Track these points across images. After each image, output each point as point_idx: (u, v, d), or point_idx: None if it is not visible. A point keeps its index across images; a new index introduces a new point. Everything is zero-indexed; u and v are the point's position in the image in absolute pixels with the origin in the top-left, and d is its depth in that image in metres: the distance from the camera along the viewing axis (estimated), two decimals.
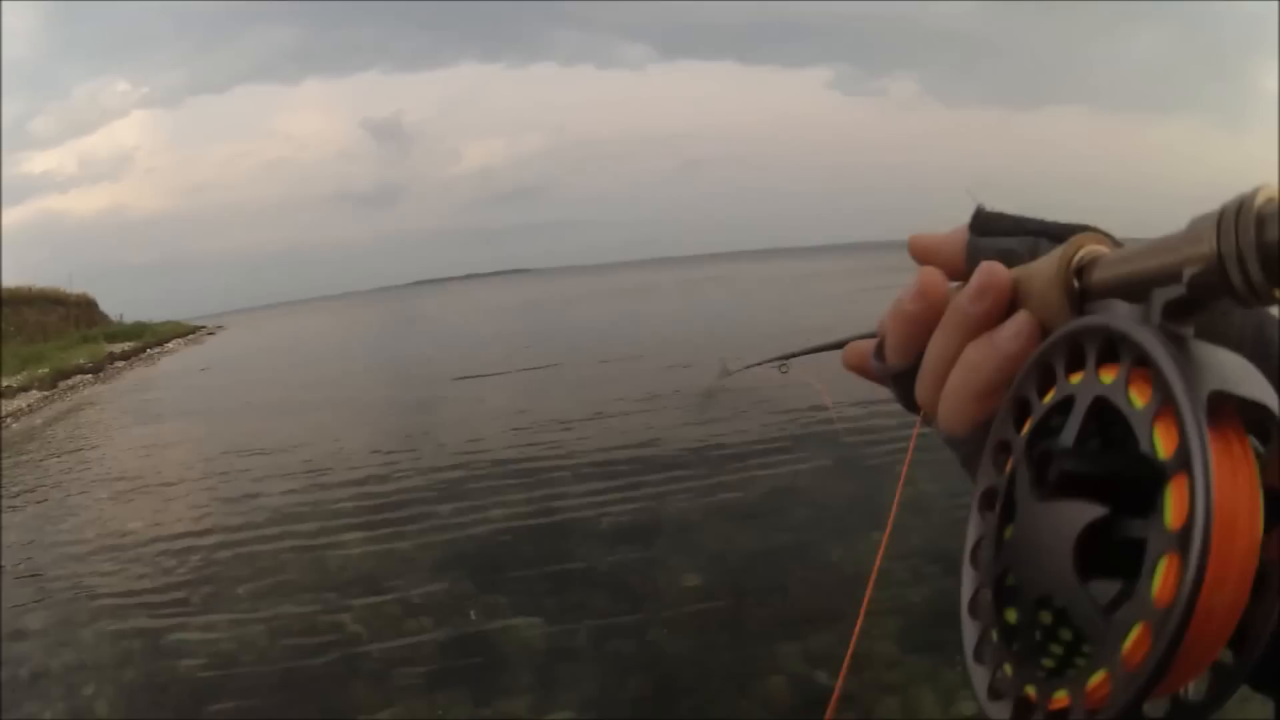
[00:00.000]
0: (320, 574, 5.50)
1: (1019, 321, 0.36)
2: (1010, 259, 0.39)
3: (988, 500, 0.35)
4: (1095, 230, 0.37)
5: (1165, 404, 0.27)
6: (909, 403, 0.43)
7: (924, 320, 0.40)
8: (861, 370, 0.48)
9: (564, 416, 10.03)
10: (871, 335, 0.47)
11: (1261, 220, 0.25)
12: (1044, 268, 0.35)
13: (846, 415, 7.72)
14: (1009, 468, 0.34)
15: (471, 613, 4.66)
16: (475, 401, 12.26)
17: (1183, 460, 0.26)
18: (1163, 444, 0.27)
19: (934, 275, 0.41)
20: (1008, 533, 0.33)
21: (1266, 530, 0.26)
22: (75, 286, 38.82)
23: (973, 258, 0.42)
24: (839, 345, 0.52)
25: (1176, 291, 0.28)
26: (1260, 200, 0.25)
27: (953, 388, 0.38)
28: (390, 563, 5.60)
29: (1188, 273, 0.27)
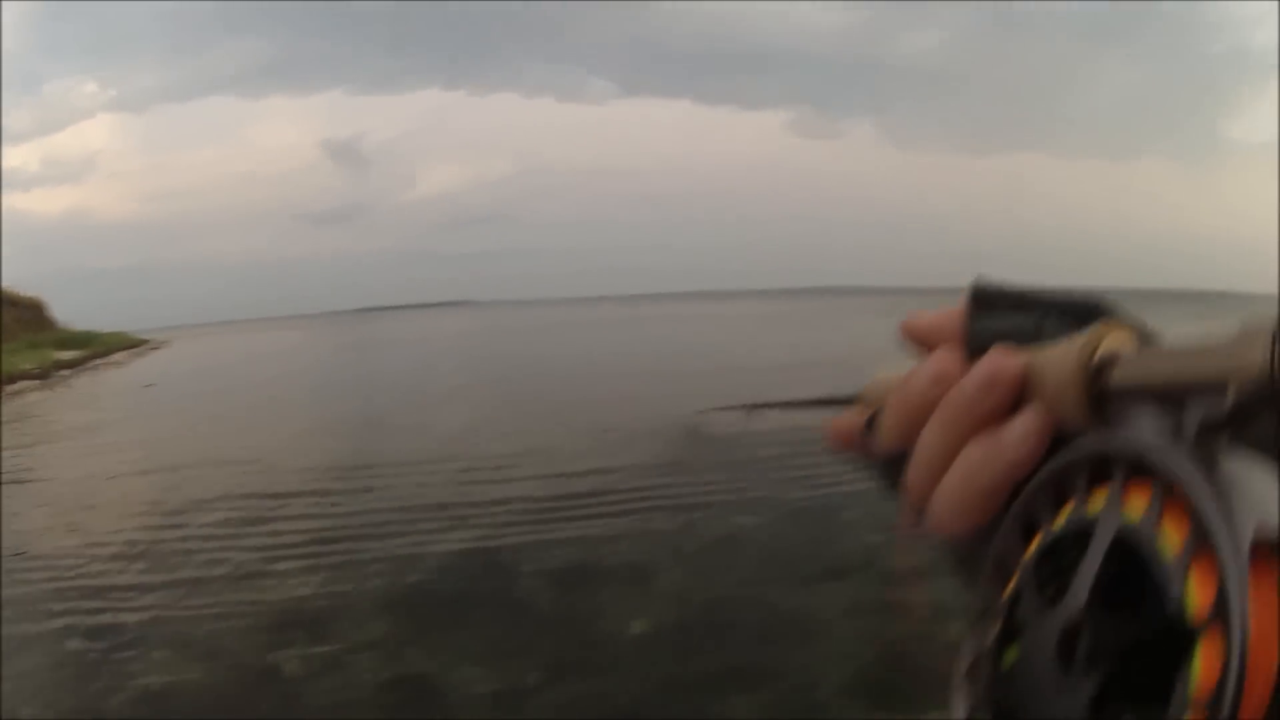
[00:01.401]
0: (257, 611, 5.34)
1: (1029, 422, 0.33)
2: (1016, 339, 0.36)
3: (985, 617, 0.32)
4: (1114, 313, 0.35)
5: (1201, 549, 0.25)
6: (892, 487, 0.39)
7: (931, 406, 0.37)
8: (846, 447, 0.44)
9: (509, 454, 9.91)
10: (845, 400, 0.44)
11: None
12: (1059, 361, 0.32)
13: (802, 464, 7.73)
14: (1011, 587, 0.31)
15: (415, 655, 4.56)
16: (417, 435, 12.06)
17: (1218, 619, 0.23)
18: (1197, 596, 0.24)
19: (951, 361, 0.37)
20: (1007, 656, 0.30)
21: None
22: (28, 289, 38.71)
23: (973, 340, 0.37)
24: (816, 403, 0.50)
25: (1219, 405, 0.25)
26: None
27: (950, 486, 0.35)
28: (330, 600, 5.46)
29: (1234, 385, 0.25)
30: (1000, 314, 0.38)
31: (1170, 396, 0.28)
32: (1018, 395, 0.33)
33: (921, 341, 0.39)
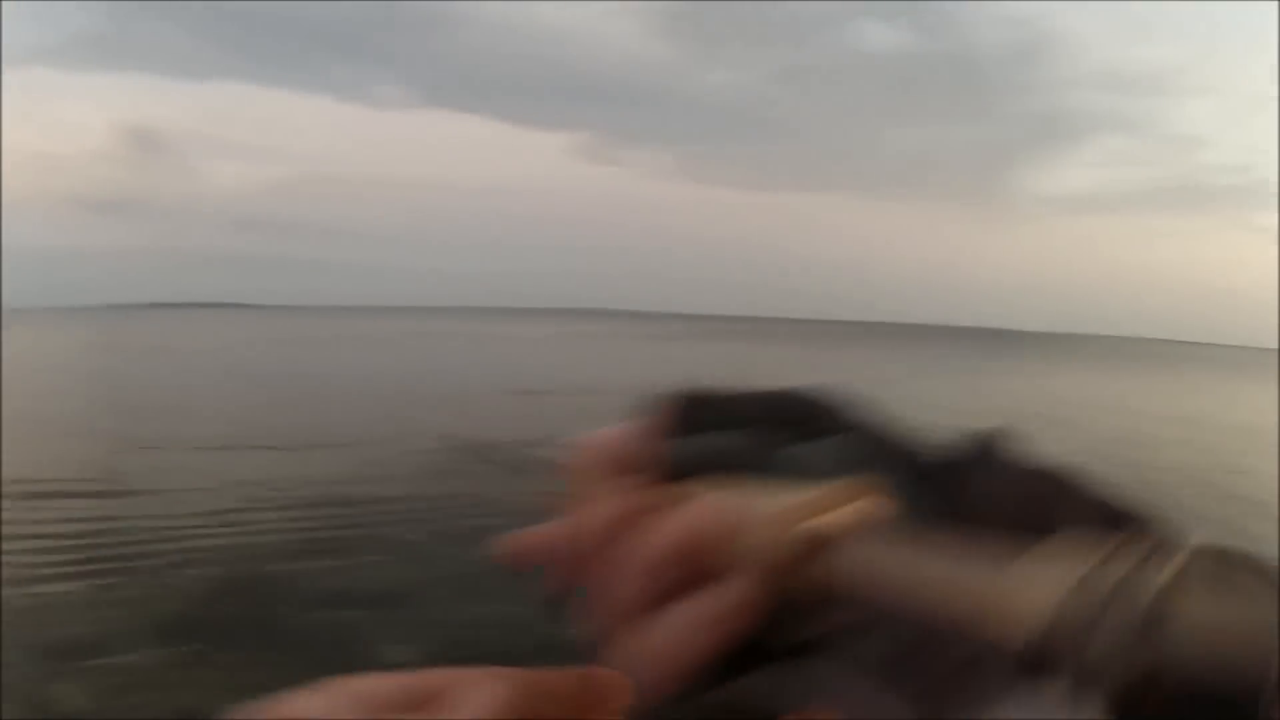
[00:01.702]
0: (31, 634, 5.50)
1: (739, 592, 0.28)
2: (726, 463, 0.30)
3: None
4: (850, 436, 0.31)
5: None
6: (571, 619, 0.32)
7: (588, 553, 0.31)
8: (523, 569, 0.34)
9: (270, 472, 10.00)
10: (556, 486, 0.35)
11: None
12: (772, 525, 0.27)
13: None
14: None
15: (190, 685, 4.94)
16: (175, 443, 11.84)
17: None
18: None
19: (629, 505, 0.31)
20: None
21: None
22: None
23: (677, 464, 0.31)
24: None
25: (960, 653, 0.23)
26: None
27: (652, 648, 0.29)
28: (107, 623, 5.70)
29: (994, 633, 0.21)
30: (708, 431, 0.32)
31: (906, 612, 0.23)
32: (726, 546, 0.28)
33: (609, 467, 0.32)
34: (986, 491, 0.29)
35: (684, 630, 0.29)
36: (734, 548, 0.28)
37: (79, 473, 9.48)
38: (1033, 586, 0.20)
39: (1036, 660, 0.19)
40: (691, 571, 0.29)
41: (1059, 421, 17.28)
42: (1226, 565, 0.19)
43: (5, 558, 6.79)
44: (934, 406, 19.11)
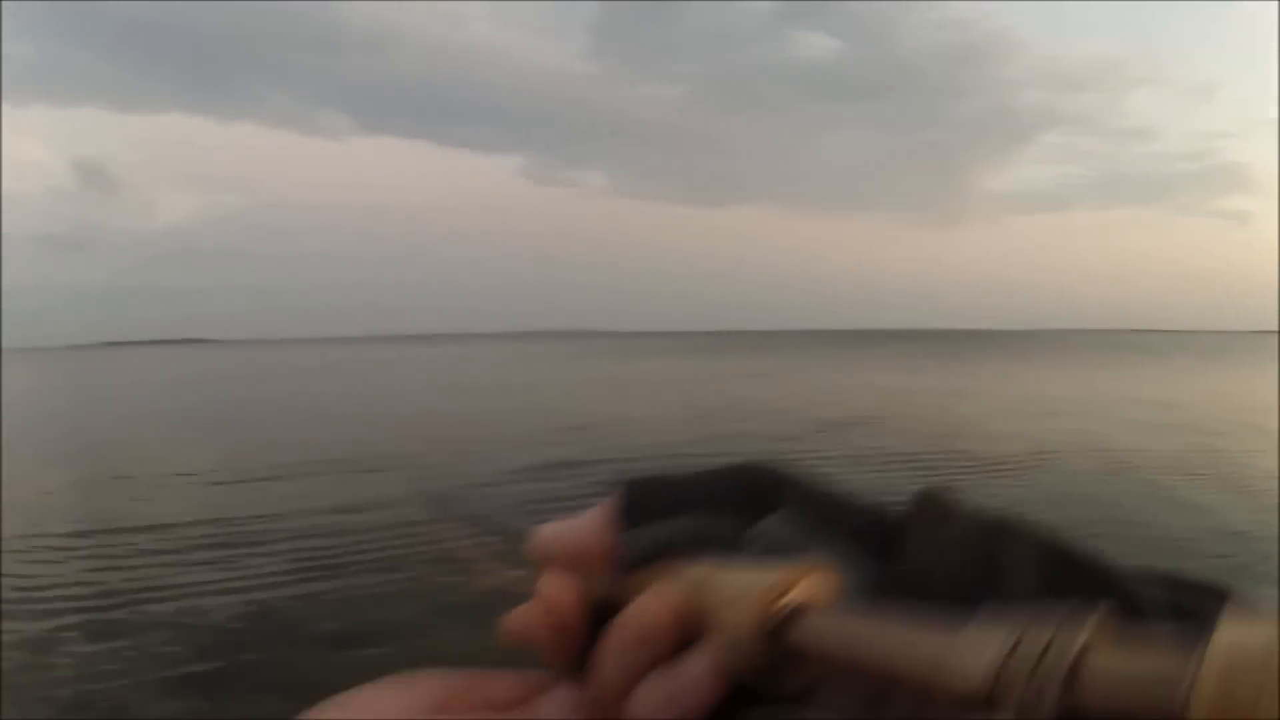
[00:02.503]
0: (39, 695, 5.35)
1: (702, 666, 0.30)
2: (675, 549, 0.33)
3: None
4: (791, 508, 0.33)
5: None
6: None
7: (568, 634, 0.34)
8: (527, 646, 0.36)
9: (261, 507, 9.85)
10: (516, 534, 0.38)
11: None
12: (737, 601, 0.29)
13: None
14: None
15: None
16: (154, 485, 11.60)
17: None
18: None
19: (560, 596, 0.34)
20: None
21: None
22: None
23: (632, 556, 0.34)
24: (492, 529, 0.44)
25: (923, 713, 0.25)
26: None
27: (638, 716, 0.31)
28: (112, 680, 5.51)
29: (941, 701, 0.24)
30: (657, 519, 0.34)
31: (864, 680, 0.26)
32: (692, 621, 0.30)
33: (568, 562, 0.35)
34: (932, 548, 0.32)
35: (659, 702, 0.31)
36: (700, 627, 0.30)
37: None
38: (974, 649, 0.24)
39: (982, 705, 0.23)
40: (663, 651, 0.31)
41: (1036, 415, 17.77)
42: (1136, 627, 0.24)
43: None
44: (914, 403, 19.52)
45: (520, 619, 0.36)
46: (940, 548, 0.32)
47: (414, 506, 9.19)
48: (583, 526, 0.36)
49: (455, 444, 13.84)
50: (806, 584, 0.29)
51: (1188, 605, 0.29)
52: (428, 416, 19.31)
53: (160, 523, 9.11)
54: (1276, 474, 9.91)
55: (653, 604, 0.31)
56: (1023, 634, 0.24)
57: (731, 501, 0.34)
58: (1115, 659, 0.23)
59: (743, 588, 0.29)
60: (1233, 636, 0.22)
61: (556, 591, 0.34)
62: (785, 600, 0.28)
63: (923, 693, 0.25)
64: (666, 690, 0.31)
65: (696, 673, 0.30)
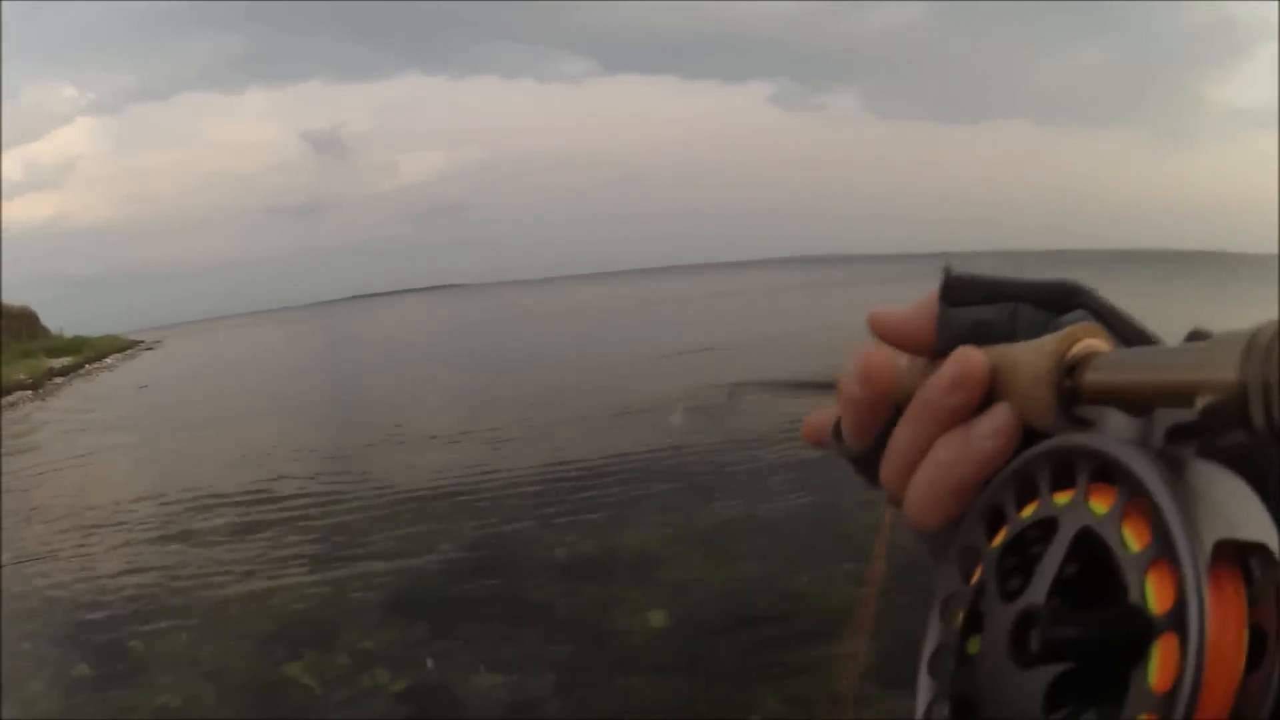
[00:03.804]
0: (265, 620, 5.25)
1: (998, 419, 0.32)
2: (987, 331, 0.36)
3: (949, 606, 0.32)
4: (1088, 302, 0.35)
5: (1163, 553, 0.25)
6: (872, 481, 0.38)
7: (875, 403, 0.37)
8: (820, 445, 0.42)
9: (509, 439, 9.87)
10: (825, 385, 0.42)
11: None
12: (1030, 359, 0.31)
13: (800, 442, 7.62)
14: (976, 576, 0.31)
15: (428, 661, 4.47)
16: (417, 423, 11.94)
17: (1175, 621, 0.24)
18: (1156, 597, 0.24)
19: (876, 357, 0.37)
20: (971, 646, 0.30)
21: (1246, 671, 0.24)
22: (16, 298, 38.49)
23: (944, 333, 0.37)
24: (797, 386, 0.49)
25: (1185, 417, 0.25)
26: None
27: (922, 483, 0.34)
28: (338, 606, 5.38)
29: (1202, 400, 0.24)
30: (972, 307, 0.37)
31: (1140, 403, 0.27)
32: (987, 391, 0.33)
33: (891, 336, 0.38)
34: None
35: (952, 459, 0.33)
36: (996, 379, 0.32)
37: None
38: (1220, 359, 0.23)
39: (1240, 400, 0.23)
40: (958, 410, 0.33)
41: None
42: None
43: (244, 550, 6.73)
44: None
45: (819, 416, 0.42)
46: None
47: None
48: (909, 307, 0.38)
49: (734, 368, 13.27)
50: (1088, 336, 0.31)
51: None
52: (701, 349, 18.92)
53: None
54: None
55: (963, 354, 0.33)
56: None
57: (1037, 300, 0.36)
58: None
59: (1038, 343, 0.31)
60: None
61: (876, 352, 0.37)
62: (1072, 350, 0.30)
63: (1183, 398, 0.25)
64: (965, 442, 0.32)
65: (997, 419, 0.32)
